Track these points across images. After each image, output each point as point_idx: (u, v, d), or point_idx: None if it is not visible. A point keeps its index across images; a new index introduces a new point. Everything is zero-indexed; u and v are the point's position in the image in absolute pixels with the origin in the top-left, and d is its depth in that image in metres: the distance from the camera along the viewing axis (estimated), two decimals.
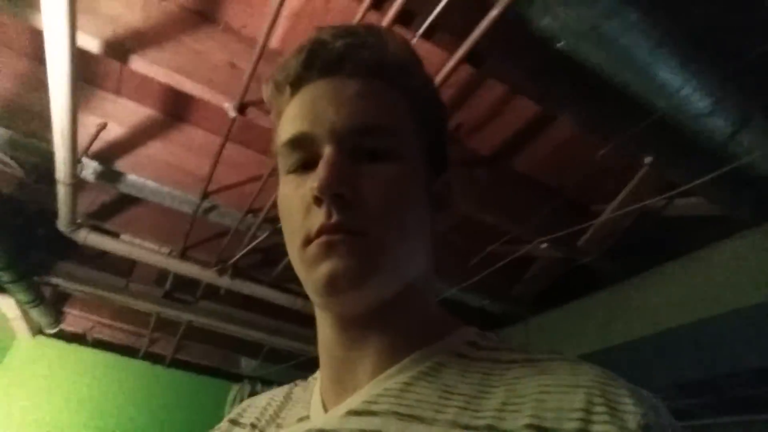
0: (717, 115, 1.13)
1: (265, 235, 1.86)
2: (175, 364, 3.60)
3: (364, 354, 0.42)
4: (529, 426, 0.32)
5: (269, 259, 2.11)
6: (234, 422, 0.52)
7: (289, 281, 2.23)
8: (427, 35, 1.06)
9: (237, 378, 3.71)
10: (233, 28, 1.40)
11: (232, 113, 1.32)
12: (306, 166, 0.42)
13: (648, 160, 1.28)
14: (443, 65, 1.09)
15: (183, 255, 2.12)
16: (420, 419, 0.36)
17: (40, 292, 2.53)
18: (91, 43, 1.22)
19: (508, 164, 1.79)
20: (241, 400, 3.65)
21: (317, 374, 0.50)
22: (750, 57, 1.04)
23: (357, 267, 0.39)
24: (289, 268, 2.10)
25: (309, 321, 2.22)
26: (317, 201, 0.39)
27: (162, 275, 2.44)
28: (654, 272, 1.81)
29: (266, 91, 0.48)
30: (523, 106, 1.52)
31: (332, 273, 0.38)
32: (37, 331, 3.20)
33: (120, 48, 1.24)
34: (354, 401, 0.40)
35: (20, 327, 3.05)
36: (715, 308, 1.46)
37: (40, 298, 2.53)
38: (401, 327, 0.43)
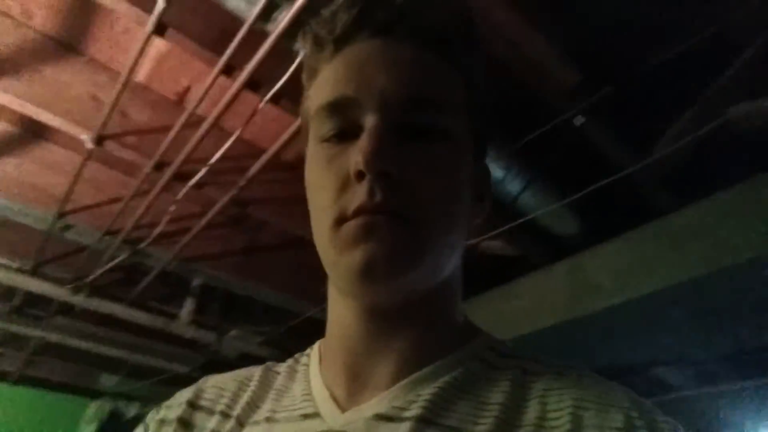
0: (507, 182, 1.44)
1: (125, 256, 1.88)
2: (23, 381, 3.33)
3: (389, 351, 0.38)
4: None
5: (130, 278, 2.11)
6: (193, 405, 0.44)
7: (150, 299, 2.25)
8: (274, 101, 1.23)
9: (96, 394, 3.52)
10: (99, 60, 1.45)
11: (89, 145, 1.37)
12: (343, 135, 0.38)
13: None
14: (289, 127, 1.28)
15: (35, 271, 2.05)
16: (452, 429, 0.33)
17: None
18: None
19: None
20: (101, 418, 3.49)
21: (305, 360, 0.45)
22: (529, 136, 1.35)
23: (398, 254, 0.34)
24: (151, 287, 2.13)
25: (172, 339, 2.28)
26: (359, 176, 0.35)
27: (10, 291, 2.30)
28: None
29: (302, 43, 0.43)
30: None
31: (370, 258, 0.34)
32: None
33: None
34: (381, 404, 0.36)
35: None
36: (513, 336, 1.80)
37: None
38: (432, 326, 0.39)
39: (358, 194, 0.35)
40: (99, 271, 1.94)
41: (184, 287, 2.20)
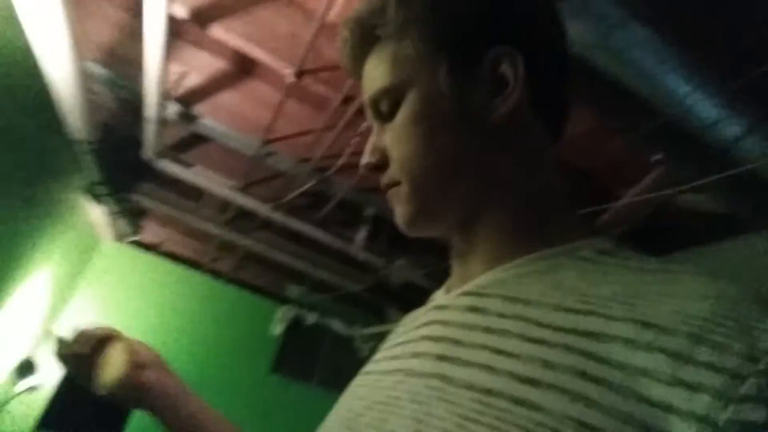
0: (722, 123, 1.21)
1: (314, 182, 2.11)
2: (233, 281, 4.08)
3: (476, 252, 0.45)
4: (635, 320, 0.30)
5: (317, 202, 2.37)
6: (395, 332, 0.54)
7: (332, 223, 2.51)
8: None
9: (284, 301, 4.15)
10: (297, 1, 1.58)
11: (291, 79, 1.53)
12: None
13: (656, 158, 1.38)
14: None
15: (244, 190, 2.43)
16: (524, 301, 0.37)
17: (126, 205, 2.96)
18: (179, 11, 1.45)
19: None
20: (286, 320, 4.13)
21: None
22: (754, 69, 1.11)
23: (408, 211, 0.45)
24: (333, 212, 2.37)
25: (347, 259, 2.54)
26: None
27: (226, 204, 2.78)
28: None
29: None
30: None
31: (399, 218, 0.46)
32: (120, 237, 3.72)
33: (202, 16, 1.46)
34: (468, 286, 0.43)
35: (106, 233, 3.57)
36: None
37: (124, 210, 2.97)
38: (505, 233, 0.44)
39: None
40: (292, 194, 2.21)
41: (359, 214, 2.40)
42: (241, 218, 2.86)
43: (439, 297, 0.48)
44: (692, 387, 0.27)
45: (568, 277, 0.37)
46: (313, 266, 3.05)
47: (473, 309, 0.40)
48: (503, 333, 0.36)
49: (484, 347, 0.36)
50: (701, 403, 0.26)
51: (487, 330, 0.37)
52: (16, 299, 2.40)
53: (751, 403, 0.25)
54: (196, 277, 4.03)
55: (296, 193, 2.19)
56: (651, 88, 1.16)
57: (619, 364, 0.29)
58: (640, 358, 0.29)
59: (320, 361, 4.04)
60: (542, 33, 0.45)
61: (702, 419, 0.26)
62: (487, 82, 0.43)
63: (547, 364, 0.32)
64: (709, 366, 0.27)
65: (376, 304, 3.62)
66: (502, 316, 0.37)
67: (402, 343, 0.45)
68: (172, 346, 3.81)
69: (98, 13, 1.78)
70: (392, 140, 0.44)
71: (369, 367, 0.48)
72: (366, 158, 0.46)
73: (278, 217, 2.47)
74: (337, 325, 4.13)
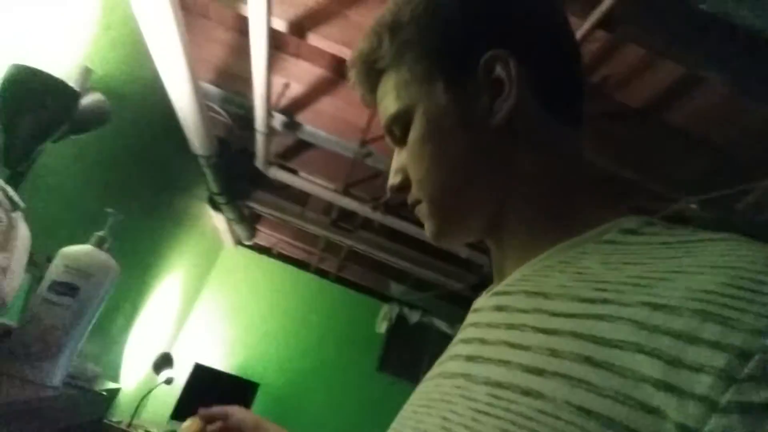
0: None
1: None
2: (338, 280, 4.25)
3: (507, 251, 0.46)
4: (645, 303, 0.30)
5: None
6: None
7: None
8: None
9: (387, 299, 4.23)
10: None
11: None
12: None
13: None
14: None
15: (345, 191, 2.51)
16: (543, 295, 0.37)
17: (242, 212, 3.22)
18: (279, 24, 1.53)
19: (660, 118, 1.71)
20: (390, 319, 4.20)
21: None
22: None
23: (433, 226, 0.48)
24: None
25: (449, 256, 2.53)
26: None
27: (329, 206, 2.89)
28: None
29: None
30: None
31: (428, 232, 0.49)
32: (238, 242, 4.06)
33: (299, 27, 1.53)
34: (498, 286, 0.44)
35: (227, 238, 3.91)
36: None
37: (241, 217, 3.23)
38: (531, 227, 0.44)
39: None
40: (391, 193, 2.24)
41: None
42: (344, 219, 2.96)
43: (480, 299, 0.49)
44: (694, 368, 0.26)
45: (592, 265, 0.37)
46: (415, 264, 3.06)
47: (499, 308, 0.41)
48: (521, 327, 0.36)
49: (504, 343, 0.37)
50: (702, 384, 0.25)
51: (509, 326, 0.38)
52: (156, 299, 2.72)
53: (754, 383, 0.24)
54: (305, 277, 4.26)
55: None
56: None
57: (622, 345, 0.29)
58: (645, 339, 0.28)
59: (425, 360, 4.05)
60: (536, 27, 0.46)
61: (702, 399, 0.25)
62: (484, 88, 0.44)
63: (554, 353, 0.32)
64: (714, 345, 0.26)
65: None
66: (522, 311, 0.38)
67: (448, 349, 0.47)
68: (286, 340, 4.07)
69: (210, 36, 1.94)
70: (408, 162, 0.47)
71: (428, 373, 0.51)
72: (390, 180, 0.49)
73: (378, 216, 2.51)
74: (440, 324, 4.11)
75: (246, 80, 1.88)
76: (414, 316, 4.19)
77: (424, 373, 0.49)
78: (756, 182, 1.61)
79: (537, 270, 0.41)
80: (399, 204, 2.46)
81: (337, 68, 1.95)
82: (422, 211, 0.47)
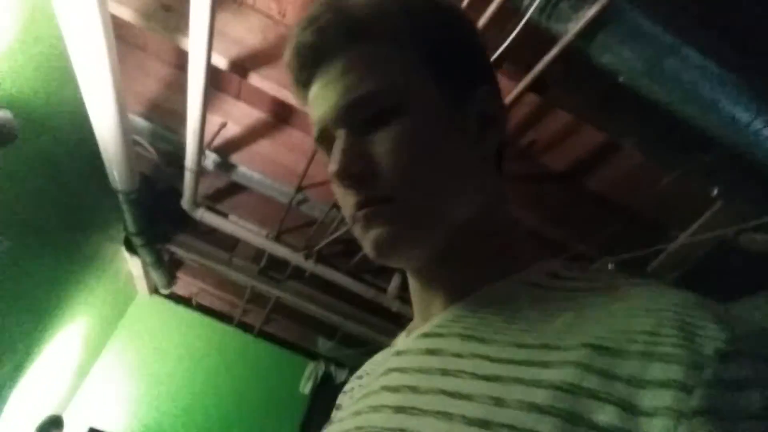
0: None
1: (346, 228, 2.08)
2: (262, 335, 4.01)
3: (437, 292, 0.44)
4: (586, 345, 0.30)
5: (349, 250, 2.34)
6: (344, 391, 0.56)
7: (364, 272, 2.45)
8: (496, 65, 1.19)
9: (314, 356, 4.04)
10: None
11: None
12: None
13: (715, 192, 1.29)
14: (510, 93, 1.22)
15: (277, 238, 2.42)
16: (479, 339, 0.36)
17: (161, 256, 2.99)
18: (220, 62, 1.50)
19: (581, 182, 1.83)
20: (316, 377, 3.99)
21: None
22: None
23: (395, 232, 0.41)
24: (365, 259, 2.32)
25: (380, 311, 2.45)
26: (341, 185, 0.42)
27: (259, 254, 2.77)
28: (729, 305, 1.76)
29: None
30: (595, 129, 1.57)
31: (376, 241, 0.41)
32: (154, 290, 3.75)
33: (241, 66, 1.51)
34: (427, 326, 0.42)
35: (141, 285, 3.61)
36: None
37: (160, 262, 3.00)
38: (470, 264, 0.43)
39: (351, 195, 0.42)
40: (324, 241, 2.19)
41: None
42: (273, 268, 2.84)
43: (399, 341, 0.47)
44: (649, 413, 0.26)
45: (522, 307, 0.38)
46: (345, 318, 2.97)
47: (431, 351, 0.39)
48: (458, 374, 0.35)
49: (441, 392, 0.34)
50: (657, 426, 0.25)
51: (444, 372, 0.36)
52: (50, 351, 2.40)
53: (702, 418, 0.24)
54: (226, 331, 3.99)
55: (327, 240, 2.16)
56: (708, 115, 1.10)
57: (572, 389, 0.28)
58: (596, 384, 0.28)
59: None
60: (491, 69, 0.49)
61: None
62: (474, 116, 0.44)
63: (498, 402, 0.31)
64: (662, 384, 0.26)
65: None
66: (458, 356, 0.36)
67: (363, 396, 0.42)
68: (200, 401, 3.72)
69: (145, 68, 1.87)
70: (386, 151, 0.41)
71: (333, 427, 0.45)
72: (348, 165, 0.40)
73: (310, 265, 2.43)
74: None
75: (180, 116, 1.81)
76: (341, 375, 4.01)
77: None
78: (666, 243, 1.74)
79: (469, 311, 0.40)
80: (332, 253, 2.41)
81: (278, 112, 1.93)
82: (383, 212, 0.41)
